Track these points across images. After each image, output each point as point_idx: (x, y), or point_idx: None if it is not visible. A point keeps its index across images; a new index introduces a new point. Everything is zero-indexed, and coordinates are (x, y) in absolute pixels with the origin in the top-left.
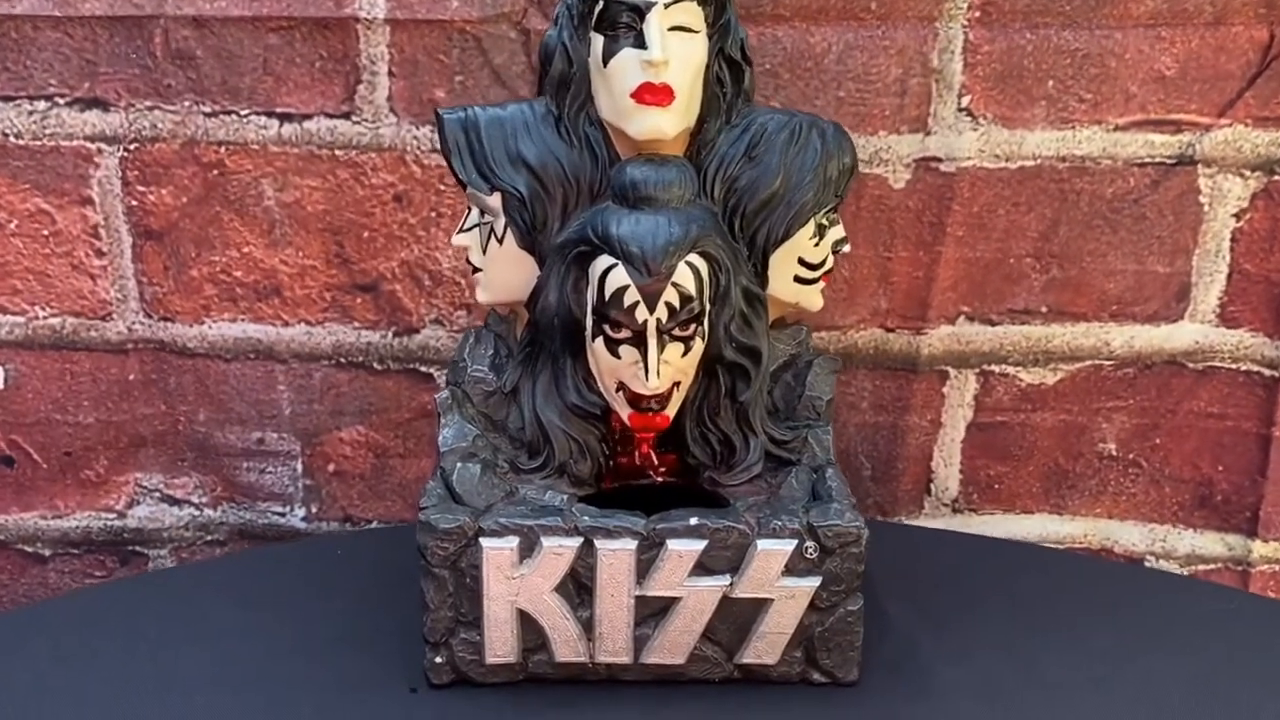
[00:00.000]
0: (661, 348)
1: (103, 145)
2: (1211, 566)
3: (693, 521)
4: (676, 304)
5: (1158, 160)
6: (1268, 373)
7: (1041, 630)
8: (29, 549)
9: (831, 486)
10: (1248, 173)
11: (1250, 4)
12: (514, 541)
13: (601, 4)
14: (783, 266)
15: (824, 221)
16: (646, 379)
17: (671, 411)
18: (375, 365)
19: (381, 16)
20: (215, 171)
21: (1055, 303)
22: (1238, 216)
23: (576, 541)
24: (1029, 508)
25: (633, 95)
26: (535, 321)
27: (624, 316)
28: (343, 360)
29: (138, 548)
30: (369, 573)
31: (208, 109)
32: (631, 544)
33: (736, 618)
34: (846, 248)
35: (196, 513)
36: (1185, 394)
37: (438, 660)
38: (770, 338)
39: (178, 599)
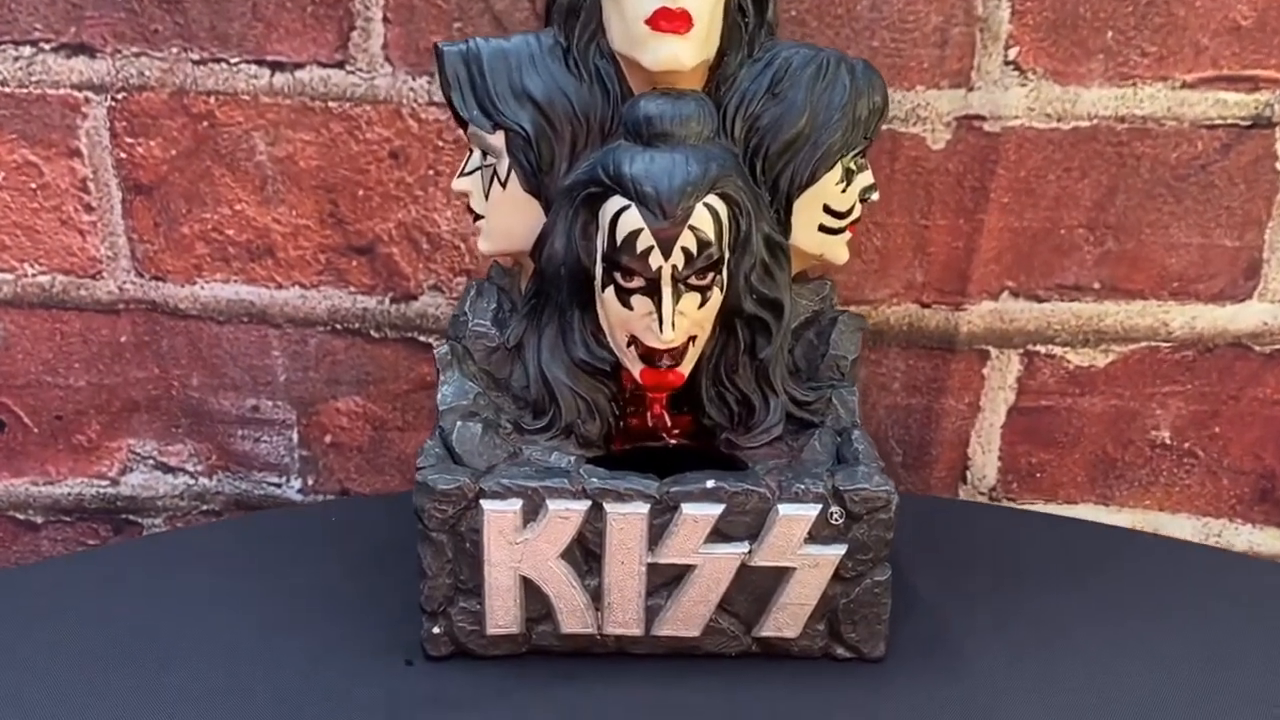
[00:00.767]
0: (677, 297)
1: (90, 94)
2: None
3: (709, 484)
4: (694, 249)
5: (1229, 122)
6: None
7: (1078, 607)
8: (20, 516)
9: (858, 449)
10: None
11: None
12: (517, 504)
13: None
14: (807, 214)
15: (852, 166)
16: (660, 331)
17: (686, 368)
18: (372, 333)
19: None
20: (205, 123)
21: (1109, 278)
22: None
23: (584, 505)
24: (1072, 498)
25: (647, 21)
26: (541, 271)
27: (637, 263)
28: (338, 326)
29: (131, 516)
30: (364, 541)
31: (196, 56)
32: (643, 508)
33: (755, 588)
34: (875, 195)
35: (191, 481)
36: (1250, 379)
37: (435, 631)
38: (792, 292)
39: (162, 566)
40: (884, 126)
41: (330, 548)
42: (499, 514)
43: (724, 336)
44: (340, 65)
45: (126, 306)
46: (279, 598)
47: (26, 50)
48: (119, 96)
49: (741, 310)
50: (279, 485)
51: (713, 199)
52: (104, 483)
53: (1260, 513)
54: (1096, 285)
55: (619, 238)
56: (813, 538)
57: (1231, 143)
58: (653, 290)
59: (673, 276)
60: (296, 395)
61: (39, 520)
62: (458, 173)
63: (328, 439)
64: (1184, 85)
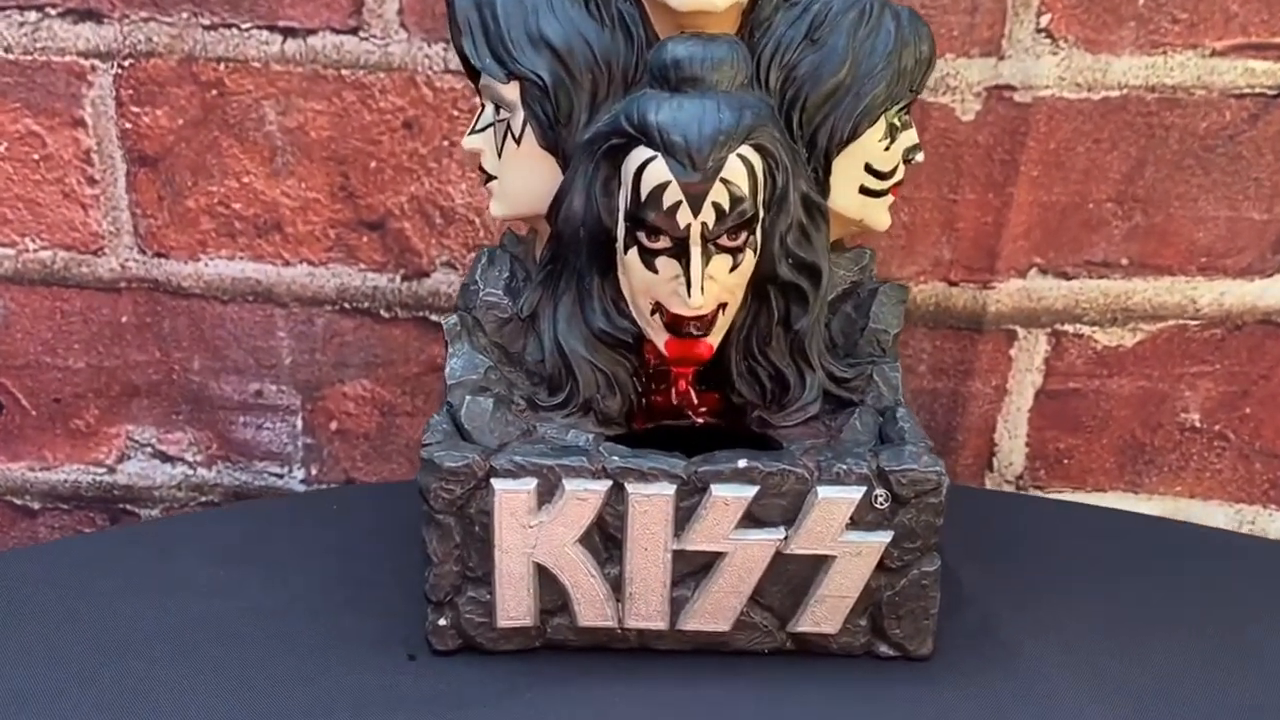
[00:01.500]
0: (707, 259)
1: (96, 62)
2: None
3: (741, 464)
4: (725, 205)
5: (1258, 91)
6: None
7: (1138, 602)
8: (17, 501)
9: (903, 428)
10: None
11: None
12: (531, 484)
13: None
14: (847, 173)
15: (896, 121)
16: (688, 296)
17: (715, 339)
18: (382, 312)
19: None
20: (214, 92)
21: (1138, 254)
22: None
23: (604, 485)
24: (1101, 485)
25: None
26: (557, 233)
27: (663, 220)
28: (347, 305)
29: (128, 506)
30: (367, 530)
31: (206, 21)
32: (669, 489)
33: (791, 578)
34: (919, 156)
35: (190, 471)
36: None
37: (441, 623)
38: (830, 260)
39: (154, 554)
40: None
41: (331, 536)
42: (511, 495)
43: (756, 305)
44: (354, 31)
45: (128, 285)
46: (275, 588)
47: (32, 15)
48: (125, 64)
49: (776, 276)
50: (281, 476)
51: (747, 150)
52: (101, 470)
53: None
54: (1125, 261)
55: (644, 192)
56: (855, 523)
57: (1259, 112)
58: (680, 251)
59: (702, 235)
60: (302, 379)
61: (36, 506)
62: (469, 129)
63: (333, 425)
64: (1214, 53)
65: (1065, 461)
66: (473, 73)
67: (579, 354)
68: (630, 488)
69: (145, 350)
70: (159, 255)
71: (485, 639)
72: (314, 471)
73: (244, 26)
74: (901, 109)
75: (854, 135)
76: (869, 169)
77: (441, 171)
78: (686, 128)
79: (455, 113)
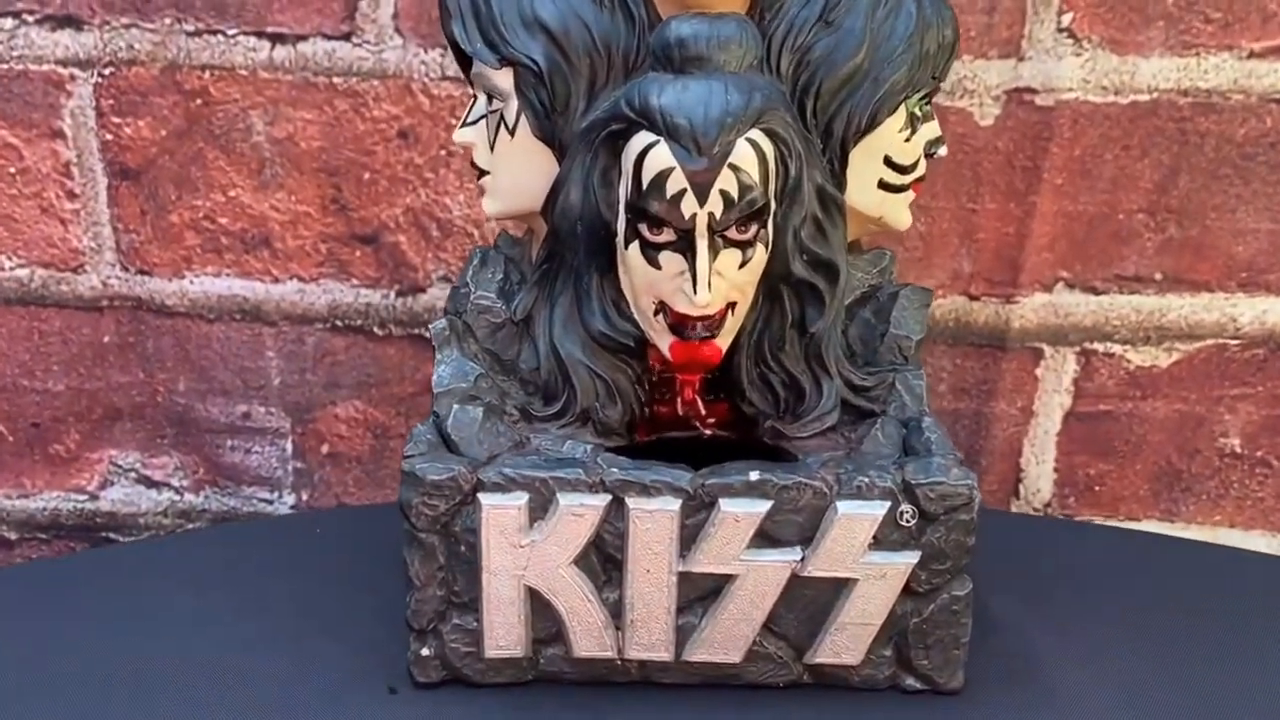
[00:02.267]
0: (714, 253)
1: (75, 71)
2: None
3: (753, 476)
4: (734, 194)
5: None
6: None
7: (1183, 630)
8: None
9: (930, 439)
10: None
11: None
12: (522, 498)
13: None
14: (865, 167)
15: (917, 111)
16: (694, 293)
17: (724, 342)
18: (375, 330)
19: None
20: (199, 101)
21: (1172, 268)
22: None
23: (602, 500)
24: (1135, 514)
25: None
26: (553, 229)
27: (666, 210)
28: (339, 323)
29: (111, 534)
30: (351, 554)
31: (191, 28)
32: (673, 504)
33: (809, 604)
34: (942, 150)
35: (176, 497)
36: None
37: (424, 653)
38: (847, 259)
39: (124, 580)
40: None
41: (312, 560)
42: (500, 510)
43: (768, 307)
44: (346, 37)
45: (110, 303)
46: (249, 616)
47: (8, 22)
48: (106, 72)
49: (789, 274)
50: (270, 501)
51: (757, 134)
52: (82, 497)
53: None
54: (1158, 276)
55: (646, 180)
56: (878, 543)
57: None
58: (685, 245)
59: (709, 226)
60: (292, 400)
61: (13, 536)
62: (460, 122)
63: (324, 449)
64: (1251, 54)
65: (1096, 489)
66: (463, 60)
67: (576, 359)
68: (631, 503)
69: (128, 371)
70: (142, 272)
71: (472, 670)
72: (305, 497)
73: (230, 32)
74: (923, 98)
75: (872, 124)
76: (888, 162)
77: (438, 182)
78: (692, 110)
79: (452, 121)
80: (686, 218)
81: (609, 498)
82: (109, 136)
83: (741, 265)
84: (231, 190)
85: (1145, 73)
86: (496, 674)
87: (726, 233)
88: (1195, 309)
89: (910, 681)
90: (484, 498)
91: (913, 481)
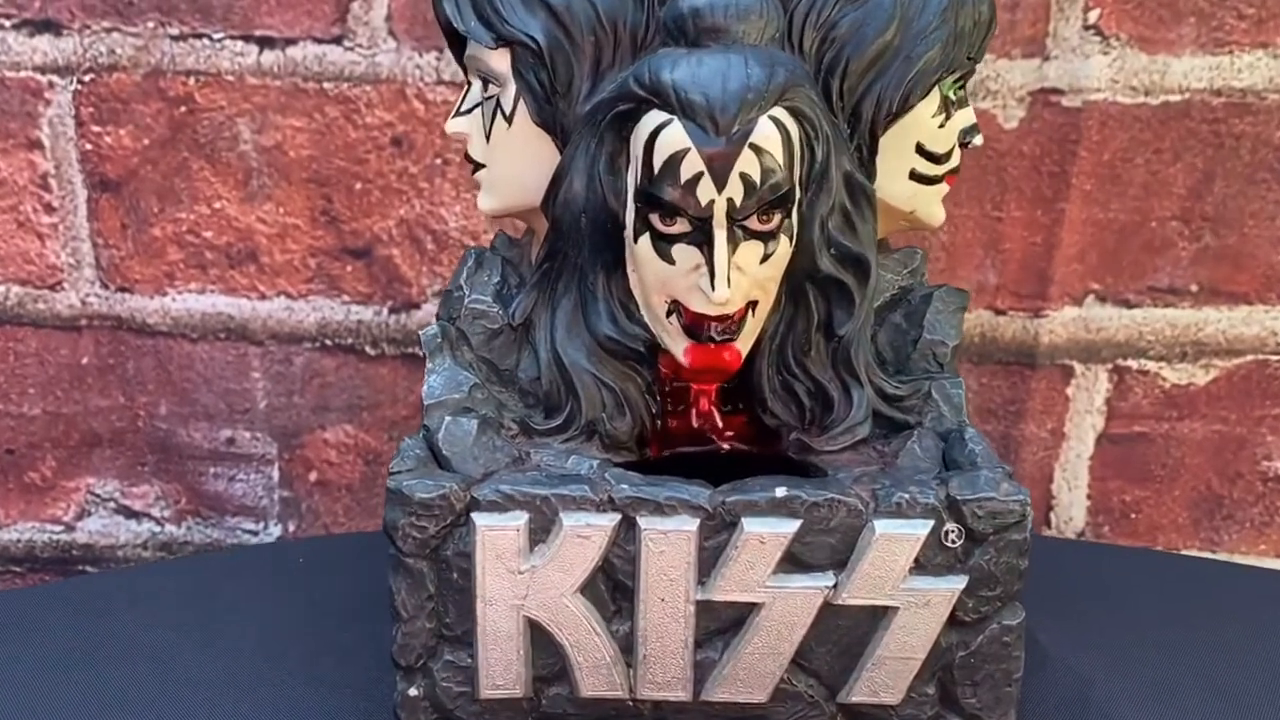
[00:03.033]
0: (734, 245)
1: (54, 77)
2: None
3: (780, 493)
4: (755, 178)
5: None
6: None
7: (1248, 659)
8: None
9: (974, 451)
10: None
11: None
12: (521, 518)
13: None
14: (896, 155)
15: (951, 95)
16: (712, 289)
17: (743, 346)
18: (367, 349)
19: None
20: (183, 108)
21: (1208, 279)
22: None
23: (611, 519)
24: (1174, 543)
25: None
26: (555, 223)
27: (681, 196)
28: (329, 342)
29: (88, 567)
30: (334, 585)
31: (175, 31)
32: (691, 524)
33: (843, 636)
34: (978, 139)
35: (157, 529)
36: None
37: (412, 693)
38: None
39: (92, 614)
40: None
41: (291, 592)
42: (497, 532)
43: (792, 307)
44: (338, 41)
45: (89, 323)
46: (216, 653)
47: None
48: (86, 79)
49: (816, 270)
50: (255, 532)
51: (780, 113)
52: (58, 528)
53: None
54: (1194, 288)
55: (657, 164)
56: (921, 566)
57: None
58: (701, 236)
59: (728, 215)
60: (279, 425)
61: None
62: (453, 112)
63: (313, 476)
64: None
65: (1132, 516)
66: (456, 42)
67: (581, 367)
68: (643, 523)
69: (107, 395)
70: (123, 289)
71: (466, 713)
72: (292, 527)
73: (216, 36)
74: (958, 80)
75: (904, 107)
76: (920, 150)
77: (434, 192)
78: (708, 84)
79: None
80: (703, 205)
81: (618, 517)
82: (89, 146)
83: (764, 259)
84: (217, 202)
85: (1176, 72)
86: (493, 716)
87: (747, 222)
88: (1234, 322)
89: None
90: (478, 518)
91: (959, 497)
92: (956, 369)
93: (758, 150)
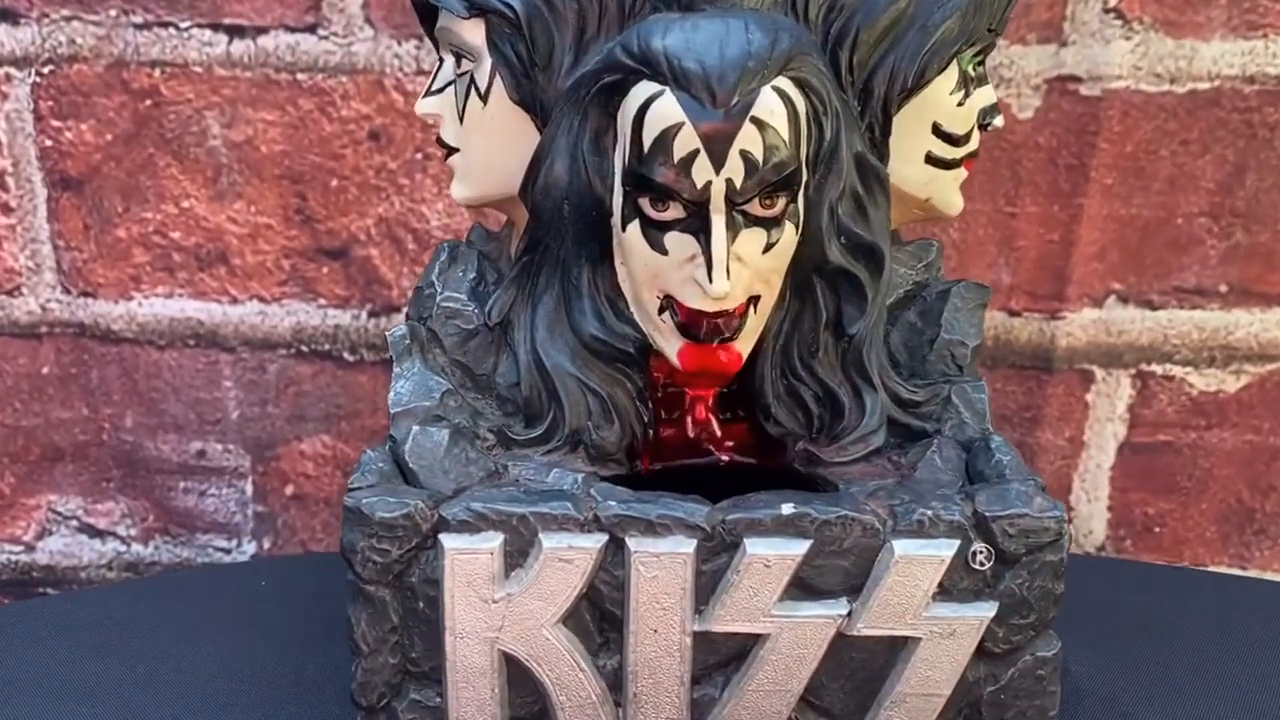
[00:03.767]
0: (733, 233)
1: (11, 70)
2: None
3: (787, 510)
4: (758, 156)
5: None
6: None
7: None
8: None
9: (1002, 461)
10: None
11: None
12: (495, 540)
13: None
14: (911, 136)
15: (970, 70)
16: (709, 282)
17: (744, 347)
18: (345, 355)
19: None
20: (148, 101)
21: (1239, 279)
22: None
23: (597, 541)
24: (1201, 559)
25: None
26: (535, 211)
27: (674, 178)
28: (304, 348)
29: (49, 590)
30: (305, 611)
31: (139, 19)
32: (687, 545)
33: (858, 671)
34: (999, 120)
35: (122, 548)
36: None
37: None
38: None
39: (18, 642)
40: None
41: (252, 621)
42: (468, 556)
43: (797, 303)
44: (312, 29)
45: (50, 330)
46: (158, 689)
47: None
48: (45, 71)
49: (825, 261)
50: (228, 550)
51: (785, 84)
52: (17, 549)
53: None
54: (1223, 288)
55: (648, 141)
56: (945, 592)
57: None
58: (697, 224)
59: (727, 199)
60: (252, 436)
61: None
62: (424, 91)
63: (289, 490)
64: None
65: (1156, 530)
66: (425, 14)
67: (564, 371)
68: (633, 545)
69: (70, 406)
70: (85, 294)
71: None
72: (266, 545)
73: (183, 25)
74: (977, 55)
75: (920, 82)
76: (937, 131)
77: (414, 189)
78: (705, 51)
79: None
80: (699, 187)
81: (605, 538)
82: (48, 142)
83: (766, 249)
84: (185, 201)
85: (1205, 58)
86: None
87: (748, 207)
88: (1266, 325)
89: None
90: (447, 540)
91: (987, 514)
92: (977, 371)
93: (760, 125)
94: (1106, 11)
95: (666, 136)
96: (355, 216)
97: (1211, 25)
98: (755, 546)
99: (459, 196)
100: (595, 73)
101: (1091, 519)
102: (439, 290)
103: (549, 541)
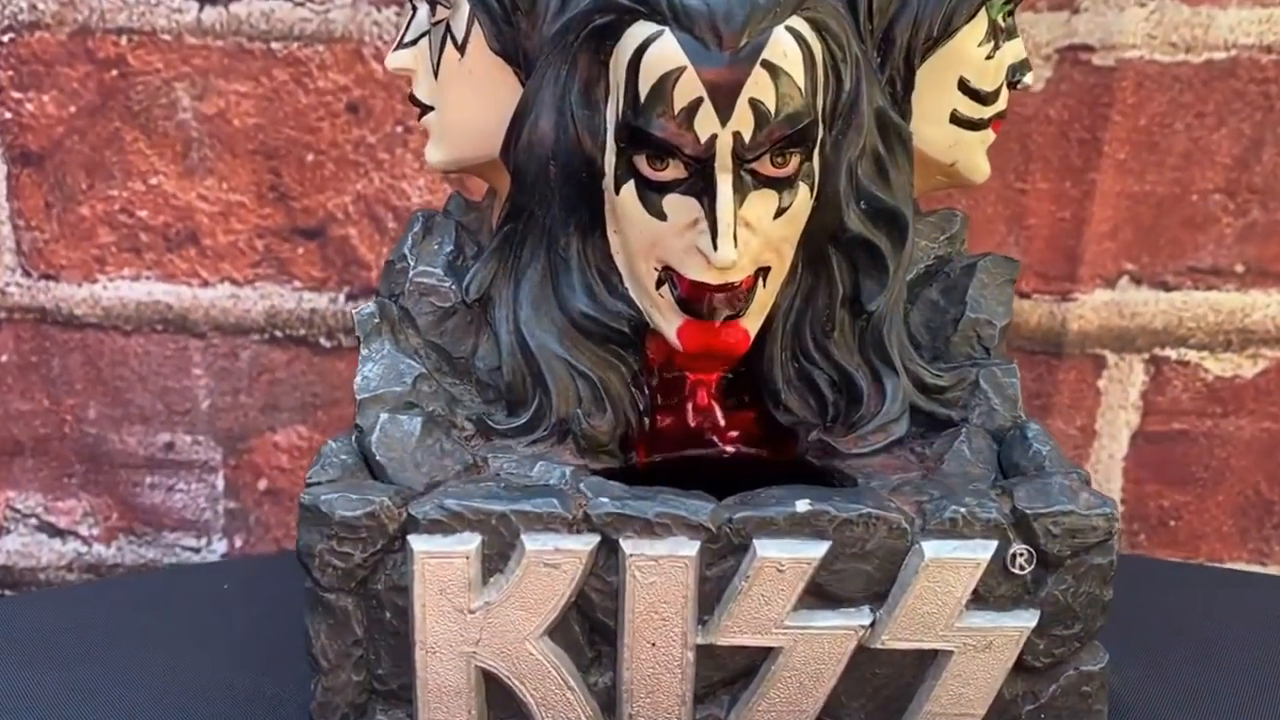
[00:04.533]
0: (741, 195)
1: None
2: None
3: (802, 507)
4: (770, 106)
5: None
6: None
7: None
8: None
9: (1040, 452)
10: None
11: None
12: (472, 542)
13: None
14: (936, 91)
15: (1000, 21)
16: (714, 249)
17: (751, 325)
18: (322, 341)
19: None
20: (114, 72)
21: (1256, 259)
22: None
23: (588, 542)
24: (1218, 553)
25: None
26: (518, 173)
27: (674, 131)
28: (279, 334)
29: (5, 592)
30: (272, 617)
31: None
32: (689, 547)
33: (882, 687)
34: (1029, 78)
35: (84, 548)
36: None
37: None
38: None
39: None
40: None
41: (211, 629)
42: (440, 560)
43: (810, 277)
44: None
45: (8, 315)
46: (100, 706)
47: None
48: (4, 39)
49: (842, 228)
50: (197, 549)
51: (800, 24)
52: None
53: None
54: (1240, 269)
55: (644, 88)
56: (981, 600)
57: None
58: (700, 185)
59: (734, 155)
60: (223, 427)
61: None
62: (394, 44)
63: (262, 485)
64: None
65: (1171, 524)
66: None
67: (551, 353)
68: (628, 547)
69: (29, 397)
70: (46, 277)
71: None
72: (239, 543)
73: None
74: (1008, 4)
75: (946, 30)
76: (964, 87)
77: (394, 164)
78: None
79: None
80: (702, 141)
81: (596, 539)
82: (8, 115)
83: (778, 214)
84: (153, 178)
85: (1222, 26)
86: None
87: (757, 165)
88: None
89: None
90: (416, 542)
91: (1028, 511)
92: (1006, 354)
93: (772, 70)
94: None
95: (665, 84)
96: (332, 193)
97: None
98: (766, 549)
99: (434, 160)
100: (585, 14)
101: None
102: (412, 264)
103: (532, 543)
